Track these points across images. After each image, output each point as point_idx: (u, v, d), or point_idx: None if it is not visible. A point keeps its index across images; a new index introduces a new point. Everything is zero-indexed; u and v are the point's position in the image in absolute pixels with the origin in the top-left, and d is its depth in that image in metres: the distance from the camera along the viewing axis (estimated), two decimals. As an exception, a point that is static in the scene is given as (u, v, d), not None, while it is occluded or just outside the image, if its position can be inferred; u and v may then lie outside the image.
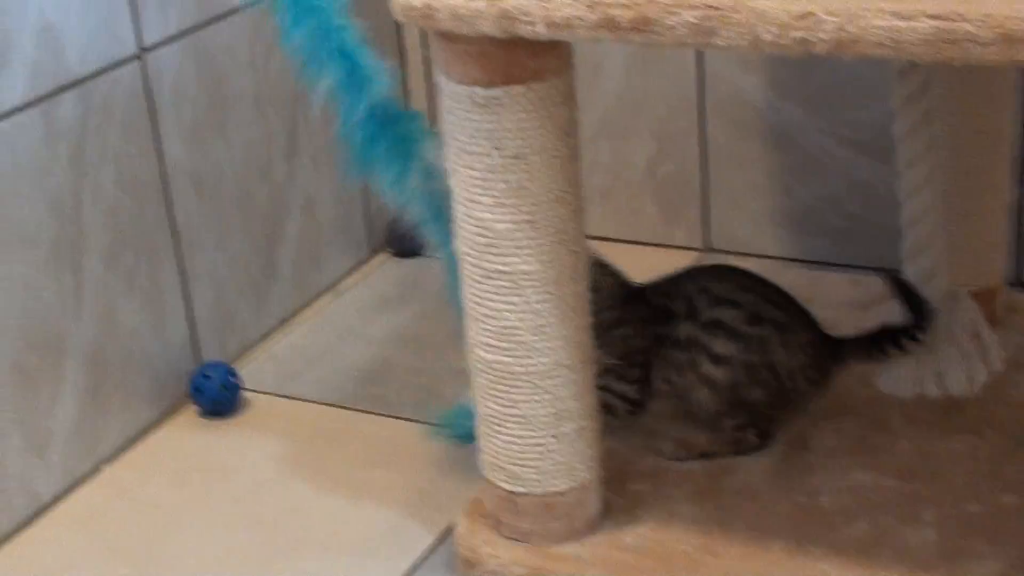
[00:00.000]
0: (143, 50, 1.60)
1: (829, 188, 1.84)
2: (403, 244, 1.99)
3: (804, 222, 1.87)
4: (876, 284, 1.75)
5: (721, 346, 1.38)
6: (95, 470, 1.59)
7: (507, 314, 1.25)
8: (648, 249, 1.97)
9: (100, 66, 1.55)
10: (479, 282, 1.26)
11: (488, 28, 1.14)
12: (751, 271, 1.45)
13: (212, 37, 1.69)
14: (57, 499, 1.54)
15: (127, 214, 1.60)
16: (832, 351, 1.42)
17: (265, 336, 1.82)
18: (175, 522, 1.51)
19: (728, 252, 1.92)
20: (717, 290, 1.41)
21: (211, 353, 1.73)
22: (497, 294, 1.25)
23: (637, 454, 1.44)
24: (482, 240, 1.24)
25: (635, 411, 1.44)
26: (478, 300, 1.27)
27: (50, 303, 1.52)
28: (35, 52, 1.46)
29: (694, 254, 1.93)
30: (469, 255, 1.26)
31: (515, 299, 1.25)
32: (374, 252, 2.02)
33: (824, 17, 1.01)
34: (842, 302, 1.67)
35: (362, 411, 1.67)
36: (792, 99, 1.83)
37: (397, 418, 1.65)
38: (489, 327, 1.27)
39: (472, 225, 1.24)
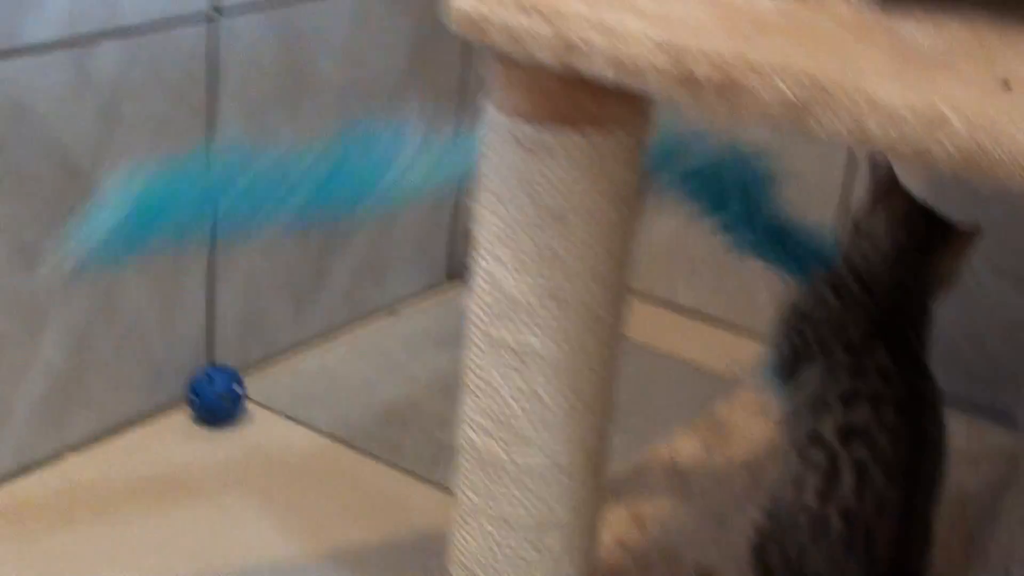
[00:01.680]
0: (216, 10, 1.43)
1: (972, 323, 1.59)
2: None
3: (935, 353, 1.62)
4: (989, 435, 1.51)
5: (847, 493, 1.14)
6: (57, 456, 1.42)
7: (505, 395, 1.05)
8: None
9: (159, 17, 1.38)
10: (481, 351, 1.05)
11: (545, 57, 0.93)
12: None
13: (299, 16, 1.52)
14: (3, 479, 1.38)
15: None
16: None
17: (296, 348, 1.63)
18: (111, 535, 1.32)
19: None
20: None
21: (227, 355, 1.55)
22: (498, 370, 1.04)
23: None
24: (493, 304, 1.03)
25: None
26: (476, 371, 1.06)
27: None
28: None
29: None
30: (477, 318, 1.05)
31: (518, 379, 1.04)
32: (451, 278, 1.81)
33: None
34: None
35: (369, 455, 1.47)
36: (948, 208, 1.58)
37: (405, 471, 1.45)
38: (482, 404, 1.06)
39: (486, 284, 1.04)
